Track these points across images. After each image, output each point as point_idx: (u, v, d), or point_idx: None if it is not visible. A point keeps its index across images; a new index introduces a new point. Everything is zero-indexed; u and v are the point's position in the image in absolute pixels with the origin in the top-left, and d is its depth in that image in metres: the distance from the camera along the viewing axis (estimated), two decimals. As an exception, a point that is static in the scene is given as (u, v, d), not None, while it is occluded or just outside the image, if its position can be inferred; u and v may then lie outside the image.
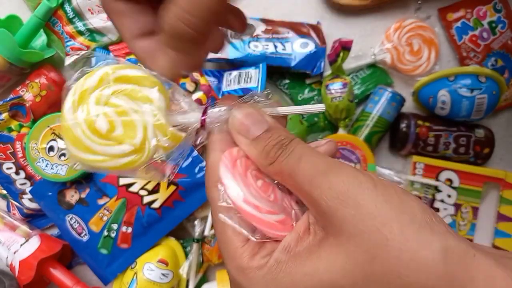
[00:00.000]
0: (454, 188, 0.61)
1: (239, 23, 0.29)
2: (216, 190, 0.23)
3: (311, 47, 0.60)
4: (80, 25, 0.57)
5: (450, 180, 0.61)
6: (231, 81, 0.59)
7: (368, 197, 0.19)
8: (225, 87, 0.58)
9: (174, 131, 0.23)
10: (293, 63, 0.59)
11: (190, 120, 0.24)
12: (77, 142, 0.22)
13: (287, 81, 0.62)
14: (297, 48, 0.60)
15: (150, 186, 0.56)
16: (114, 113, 0.22)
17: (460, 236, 0.19)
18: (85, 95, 0.22)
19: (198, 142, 0.25)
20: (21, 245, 0.54)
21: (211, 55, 0.59)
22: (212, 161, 0.24)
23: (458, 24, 0.63)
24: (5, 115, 0.57)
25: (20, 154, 0.58)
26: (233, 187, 0.22)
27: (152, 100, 0.23)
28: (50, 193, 0.57)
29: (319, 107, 0.25)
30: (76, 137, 0.22)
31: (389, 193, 0.20)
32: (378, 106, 0.60)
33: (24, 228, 0.58)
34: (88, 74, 0.22)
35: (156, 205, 0.56)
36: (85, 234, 0.57)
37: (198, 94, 0.57)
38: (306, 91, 0.62)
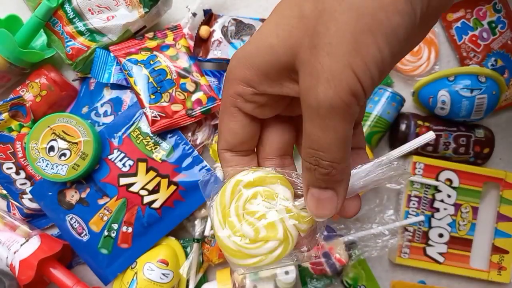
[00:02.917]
0: (454, 188, 0.61)
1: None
2: None
3: (311, 47, 0.60)
4: (80, 25, 0.57)
5: (450, 180, 0.61)
6: (231, 81, 0.59)
7: None
8: (225, 87, 0.58)
9: (307, 215, 0.25)
10: (293, 63, 0.59)
11: None
12: (234, 253, 0.25)
13: (287, 81, 0.62)
14: (297, 48, 0.60)
15: (150, 186, 0.56)
16: (254, 219, 0.25)
17: None
18: (225, 211, 0.26)
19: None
20: (21, 245, 0.54)
21: (211, 55, 0.59)
22: None
23: (458, 24, 0.63)
24: (5, 115, 0.57)
25: (20, 154, 0.58)
26: None
27: (279, 194, 0.26)
28: (50, 193, 0.57)
29: (429, 136, 0.25)
30: (232, 249, 0.25)
31: None
32: (378, 106, 0.60)
33: (24, 228, 0.58)
34: (222, 190, 0.26)
35: (156, 205, 0.56)
36: (85, 234, 0.57)
37: (199, 94, 0.57)
38: (306, 91, 0.62)
